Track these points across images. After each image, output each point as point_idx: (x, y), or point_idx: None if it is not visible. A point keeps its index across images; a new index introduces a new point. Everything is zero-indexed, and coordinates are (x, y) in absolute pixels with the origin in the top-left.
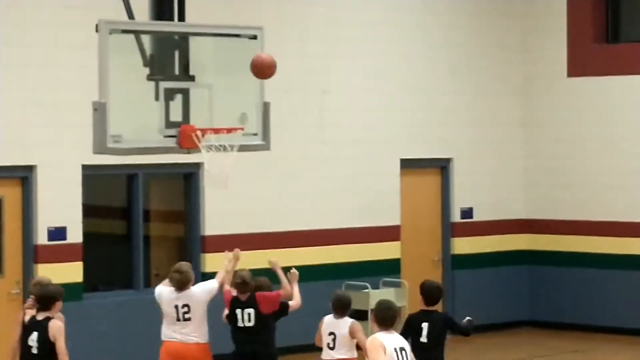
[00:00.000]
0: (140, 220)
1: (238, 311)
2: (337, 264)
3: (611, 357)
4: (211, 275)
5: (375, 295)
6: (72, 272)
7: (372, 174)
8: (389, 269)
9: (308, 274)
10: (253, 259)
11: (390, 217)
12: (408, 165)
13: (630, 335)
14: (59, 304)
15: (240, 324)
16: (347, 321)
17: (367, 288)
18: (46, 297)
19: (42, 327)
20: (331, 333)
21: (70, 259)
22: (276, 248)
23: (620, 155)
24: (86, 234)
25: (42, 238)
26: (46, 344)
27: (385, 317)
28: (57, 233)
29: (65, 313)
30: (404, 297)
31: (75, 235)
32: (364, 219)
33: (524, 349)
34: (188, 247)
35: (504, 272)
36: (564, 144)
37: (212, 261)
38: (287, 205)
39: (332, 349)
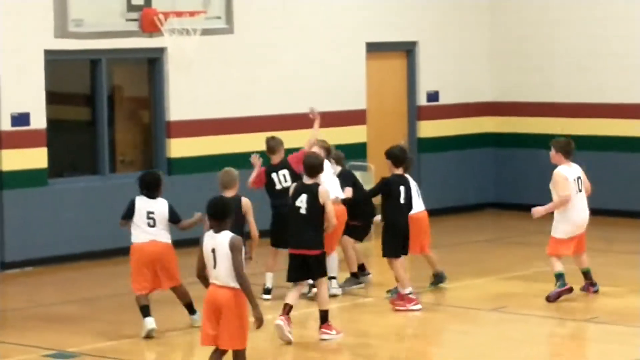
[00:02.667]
0: (104, 106)
1: (274, 175)
2: (303, 148)
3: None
4: (177, 160)
5: None
6: (36, 158)
7: (337, 58)
8: (355, 152)
9: None
10: (218, 144)
11: (356, 101)
12: (374, 48)
13: (598, 215)
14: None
15: (277, 186)
16: None
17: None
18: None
19: (311, 190)
20: None
21: (34, 145)
22: (241, 133)
23: (586, 37)
24: (50, 120)
25: (5, 124)
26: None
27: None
28: (21, 119)
29: (30, 199)
30: (370, 180)
31: (39, 121)
32: (330, 103)
33: (489, 230)
34: (153, 132)
35: (469, 154)
36: (531, 26)
37: (177, 146)
38: (252, 90)
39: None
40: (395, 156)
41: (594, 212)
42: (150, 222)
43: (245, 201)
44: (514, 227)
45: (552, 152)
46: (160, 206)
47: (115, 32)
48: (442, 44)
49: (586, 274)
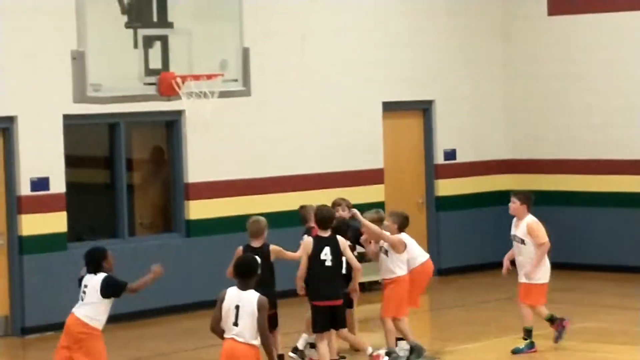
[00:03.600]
0: (123, 169)
1: None
2: None
3: (600, 293)
4: (196, 222)
5: None
6: (56, 222)
7: (354, 117)
8: None
9: (292, 219)
10: (237, 205)
11: (374, 161)
12: (390, 108)
13: (616, 272)
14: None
15: None
16: None
17: None
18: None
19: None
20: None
21: (53, 209)
22: (259, 194)
23: (602, 93)
24: (69, 184)
25: (25, 189)
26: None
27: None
28: (40, 183)
29: (50, 263)
30: None
31: (58, 186)
32: (348, 163)
33: (509, 288)
34: (172, 194)
35: (487, 212)
36: (545, 82)
37: (196, 208)
38: (269, 150)
39: None
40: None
41: (616, 268)
42: (82, 295)
43: (272, 248)
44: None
45: (517, 205)
46: (95, 281)
47: (134, 97)
48: (458, 102)
49: (553, 319)
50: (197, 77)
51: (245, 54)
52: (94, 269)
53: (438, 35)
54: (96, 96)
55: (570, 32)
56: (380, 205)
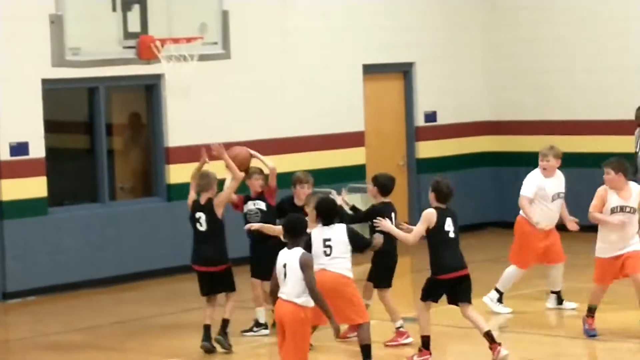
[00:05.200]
0: (103, 134)
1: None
2: (305, 172)
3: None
4: (177, 186)
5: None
6: (36, 187)
7: (334, 80)
8: (354, 174)
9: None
10: (217, 169)
11: (354, 123)
12: (370, 70)
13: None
14: None
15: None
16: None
17: (332, 194)
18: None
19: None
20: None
21: (33, 174)
22: None
23: (581, 54)
24: (49, 149)
25: (4, 154)
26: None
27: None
28: (20, 148)
29: (31, 228)
30: (369, 202)
31: (37, 151)
32: (328, 126)
33: (491, 249)
34: (152, 159)
35: (468, 174)
36: (526, 44)
37: (176, 172)
38: (249, 114)
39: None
40: (382, 184)
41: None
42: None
43: (216, 200)
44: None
45: (612, 175)
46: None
47: (113, 60)
48: (439, 65)
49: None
50: (176, 41)
51: (225, 16)
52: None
53: None
54: (75, 60)
55: None
56: (361, 167)
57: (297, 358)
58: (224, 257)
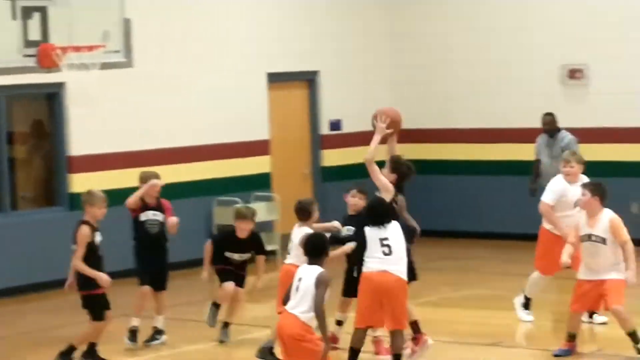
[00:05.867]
0: (3, 142)
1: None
2: (207, 180)
3: (488, 260)
4: (78, 196)
5: None
6: None
7: (239, 88)
8: (259, 183)
9: (178, 191)
10: (120, 178)
11: (259, 132)
12: (275, 79)
13: (503, 239)
14: None
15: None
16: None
17: (238, 203)
18: None
19: None
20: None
21: None
22: (144, 166)
23: (487, 63)
24: None
25: None
26: None
27: None
28: None
29: None
30: (275, 211)
31: None
32: (233, 134)
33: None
34: (54, 168)
35: (373, 182)
36: (430, 54)
37: (78, 181)
38: (153, 123)
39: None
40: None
41: (503, 236)
42: None
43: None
44: (416, 253)
45: (588, 197)
46: None
47: (13, 69)
48: (343, 73)
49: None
50: (77, 49)
51: (127, 24)
52: None
53: (324, 7)
54: None
55: (455, 2)
56: (266, 176)
57: None
58: None
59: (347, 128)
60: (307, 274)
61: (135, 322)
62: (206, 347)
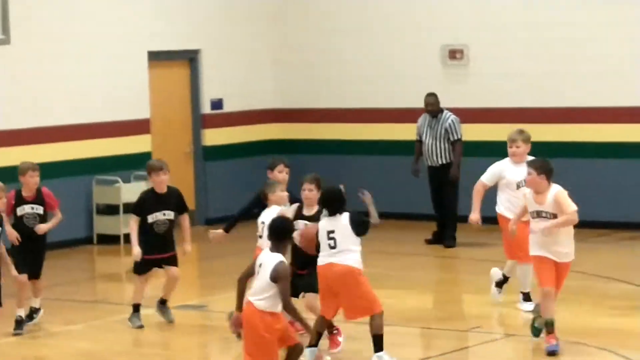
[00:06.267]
0: None
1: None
2: (88, 159)
3: (379, 239)
4: None
5: (126, 190)
6: None
7: (119, 67)
8: (140, 162)
9: (56, 170)
10: (4, 157)
11: (140, 111)
12: (156, 57)
13: (394, 219)
14: None
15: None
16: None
17: (118, 182)
18: None
19: None
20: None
21: None
22: (26, 144)
23: (369, 44)
24: None
25: None
26: None
27: None
28: None
29: None
30: None
31: None
32: (113, 113)
33: None
34: None
35: (256, 162)
36: (315, 34)
37: None
38: (33, 101)
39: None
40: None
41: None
42: None
43: None
44: None
45: (533, 176)
46: None
47: None
48: (226, 52)
49: None
50: None
51: (5, 2)
52: None
53: None
54: None
55: None
56: (147, 155)
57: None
58: None
59: (228, 107)
60: (267, 262)
61: (20, 312)
62: (82, 328)
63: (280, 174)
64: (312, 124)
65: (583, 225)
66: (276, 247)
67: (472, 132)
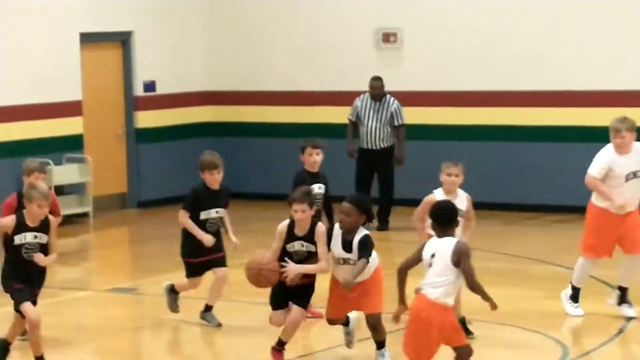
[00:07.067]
0: None
1: None
2: (18, 141)
3: None
4: None
5: (58, 172)
6: None
7: (50, 48)
8: (71, 144)
9: None
10: None
11: (71, 92)
12: (88, 39)
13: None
14: None
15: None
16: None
17: (49, 164)
18: None
19: None
20: None
21: None
22: None
23: (304, 27)
24: None
25: None
26: None
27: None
28: None
29: None
30: (87, 173)
31: None
32: (44, 95)
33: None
34: None
35: (188, 144)
36: (249, 17)
37: None
38: None
39: None
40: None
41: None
42: None
43: None
44: (234, 216)
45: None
46: None
47: None
48: (158, 34)
49: None
50: None
51: None
52: None
53: None
54: None
55: None
56: (78, 137)
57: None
58: None
59: (161, 90)
60: (441, 249)
61: None
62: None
63: (317, 156)
64: (244, 106)
65: (513, 208)
66: (444, 232)
67: (407, 116)
